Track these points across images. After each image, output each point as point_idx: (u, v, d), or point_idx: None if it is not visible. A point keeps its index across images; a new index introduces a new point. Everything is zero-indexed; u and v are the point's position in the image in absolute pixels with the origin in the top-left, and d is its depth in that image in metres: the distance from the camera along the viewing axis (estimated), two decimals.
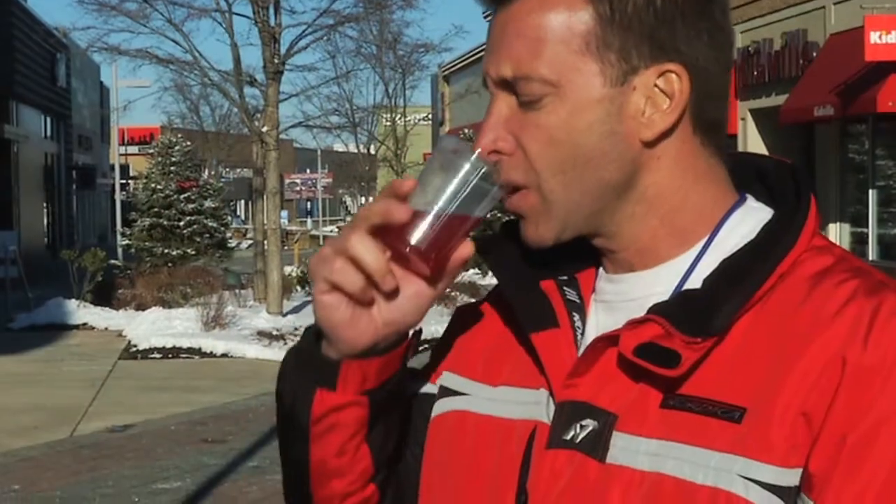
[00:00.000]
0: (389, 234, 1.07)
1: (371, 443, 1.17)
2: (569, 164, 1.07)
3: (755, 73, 21.21)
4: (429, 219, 1.06)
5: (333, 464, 1.18)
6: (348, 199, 68.23)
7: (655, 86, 1.06)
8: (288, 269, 20.59)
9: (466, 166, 1.06)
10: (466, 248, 1.08)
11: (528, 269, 1.16)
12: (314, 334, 1.15)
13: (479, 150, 1.08)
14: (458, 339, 1.25)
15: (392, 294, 1.09)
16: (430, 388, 1.26)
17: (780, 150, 19.18)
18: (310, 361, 1.15)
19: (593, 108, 1.06)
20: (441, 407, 1.22)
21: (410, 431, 1.25)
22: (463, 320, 1.27)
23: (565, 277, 1.16)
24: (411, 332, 1.16)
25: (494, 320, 1.22)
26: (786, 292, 1.04)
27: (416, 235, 1.06)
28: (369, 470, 1.19)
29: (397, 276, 1.09)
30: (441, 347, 1.28)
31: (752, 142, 20.84)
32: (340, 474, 1.18)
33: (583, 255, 1.16)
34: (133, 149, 50.84)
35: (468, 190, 1.06)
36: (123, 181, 39.11)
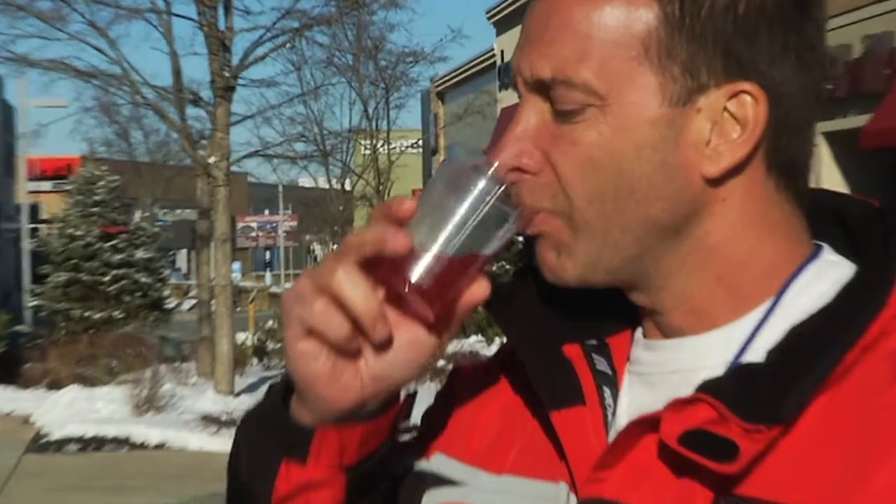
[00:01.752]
0: (384, 269, 1.06)
1: None
2: (609, 193, 1.07)
3: (829, 87, 21.34)
4: (434, 249, 1.05)
5: None
6: (317, 248, 68.19)
7: (725, 109, 1.06)
8: (241, 337, 20.56)
9: (481, 185, 1.05)
10: (480, 288, 1.08)
11: (548, 329, 1.17)
12: (282, 390, 1.16)
13: (496, 164, 1.07)
14: (455, 408, 1.26)
15: (384, 344, 1.09)
16: (421, 464, 1.26)
17: (861, 182, 19.23)
18: (275, 426, 1.15)
19: (645, 131, 1.06)
20: (430, 499, 1.22)
21: None
22: (462, 383, 1.27)
23: (594, 342, 1.17)
24: (404, 394, 1.16)
25: (501, 388, 1.23)
26: (869, 371, 1.04)
27: (419, 271, 1.05)
28: None
29: (391, 320, 1.08)
30: (433, 415, 1.28)
31: (827, 173, 20.91)
32: None
33: (616, 313, 1.16)
34: (46, 184, 51.04)
35: (482, 215, 1.06)
36: (33, 225, 39.16)
